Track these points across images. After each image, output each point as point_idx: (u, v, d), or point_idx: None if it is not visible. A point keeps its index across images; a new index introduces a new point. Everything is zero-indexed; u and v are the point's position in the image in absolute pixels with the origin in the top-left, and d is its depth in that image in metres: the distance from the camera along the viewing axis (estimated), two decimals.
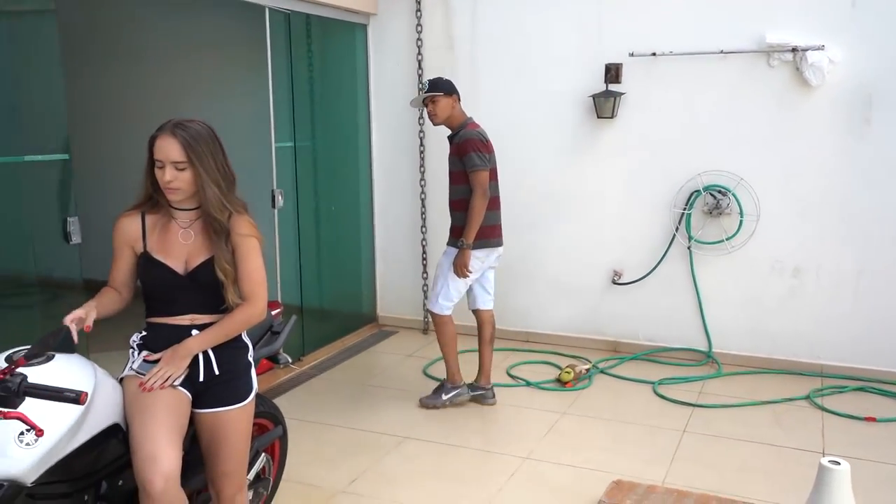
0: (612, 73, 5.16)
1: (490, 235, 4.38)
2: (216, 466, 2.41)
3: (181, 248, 2.37)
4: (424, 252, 6.01)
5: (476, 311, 4.63)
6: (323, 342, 5.64)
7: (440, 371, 5.11)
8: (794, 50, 4.77)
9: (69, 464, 2.03)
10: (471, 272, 4.33)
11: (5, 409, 1.67)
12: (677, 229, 5.21)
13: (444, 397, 4.50)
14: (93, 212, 4.04)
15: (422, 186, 5.93)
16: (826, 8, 4.72)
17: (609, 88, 5.14)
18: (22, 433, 1.88)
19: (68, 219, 3.50)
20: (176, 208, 2.38)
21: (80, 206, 3.60)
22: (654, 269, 5.32)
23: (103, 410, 2.18)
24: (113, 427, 2.22)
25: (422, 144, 5.87)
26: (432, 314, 4.55)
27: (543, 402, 4.62)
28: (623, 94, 5.15)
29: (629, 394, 4.75)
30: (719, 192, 5.04)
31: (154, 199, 2.38)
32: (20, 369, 1.70)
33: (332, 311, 5.94)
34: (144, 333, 2.43)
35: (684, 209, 5.16)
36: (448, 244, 4.48)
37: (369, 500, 3.44)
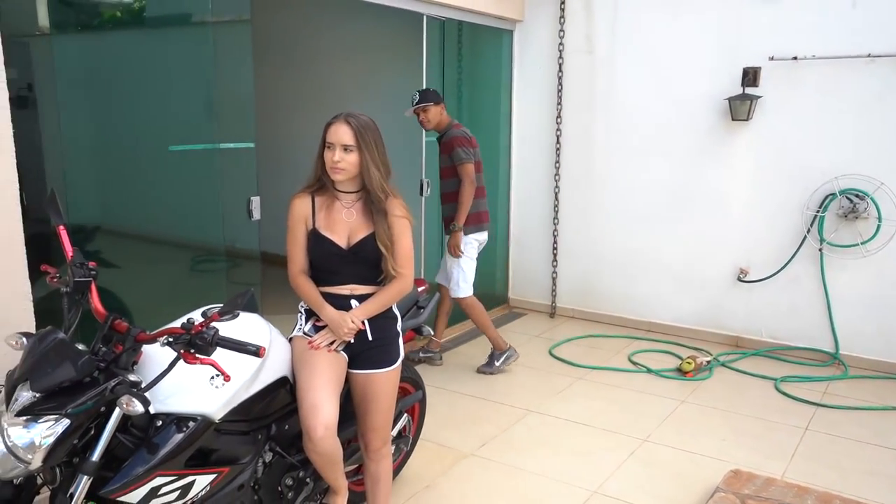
0: (750, 76, 4.83)
1: (482, 220, 4.53)
2: (366, 421, 2.49)
3: (344, 226, 2.44)
4: (555, 243, 5.92)
5: (441, 286, 4.68)
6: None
7: (566, 352, 5.06)
8: None
9: (247, 407, 2.16)
10: (462, 252, 4.43)
11: (201, 356, 1.79)
12: (809, 231, 4.82)
13: (497, 363, 4.64)
14: (270, 193, 4.29)
15: (556, 181, 5.84)
16: None
17: (746, 92, 4.82)
18: (212, 377, 2.03)
19: (251, 198, 3.73)
20: (339, 190, 2.45)
21: (260, 188, 3.82)
22: (782, 269, 4.95)
23: (275, 364, 2.29)
24: (282, 379, 2.33)
25: (558, 142, 5.77)
26: (458, 300, 4.58)
27: (664, 389, 4.44)
28: (760, 97, 4.80)
29: (749, 388, 4.47)
30: (856, 195, 4.61)
31: (321, 182, 2.46)
32: (213, 323, 1.81)
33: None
34: None
35: (818, 212, 4.76)
36: (446, 234, 4.55)
37: (496, 464, 3.45)
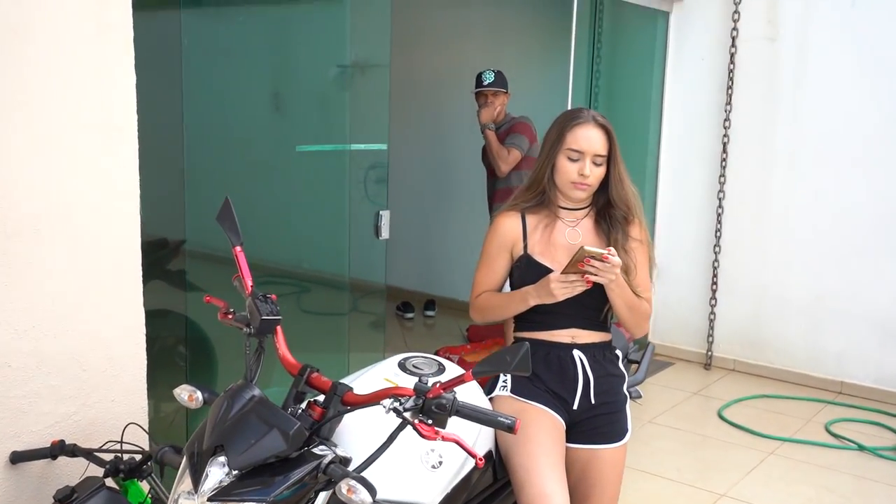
0: None
1: None
2: None
3: (567, 249, 2.25)
4: (715, 276, 5.63)
5: None
6: None
7: (740, 417, 4.74)
8: None
9: (456, 493, 1.95)
10: None
11: (443, 432, 1.59)
12: None
13: None
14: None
15: (720, 199, 5.55)
16: None
17: None
18: (429, 452, 1.82)
19: (380, 213, 3.57)
20: (563, 207, 2.29)
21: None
22: None
23: (484, 436, 2.09)
24: (488, 454, 2.13)
25: (724, 151, 5.49)
26: None
27: (888, 473, 4.07)
28: None
29: None
30: None
31: (538, 195, 2.28)
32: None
33: None
34: None
35: None
36: None
37: None
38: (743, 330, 5.62)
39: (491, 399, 2.28)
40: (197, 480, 1.55)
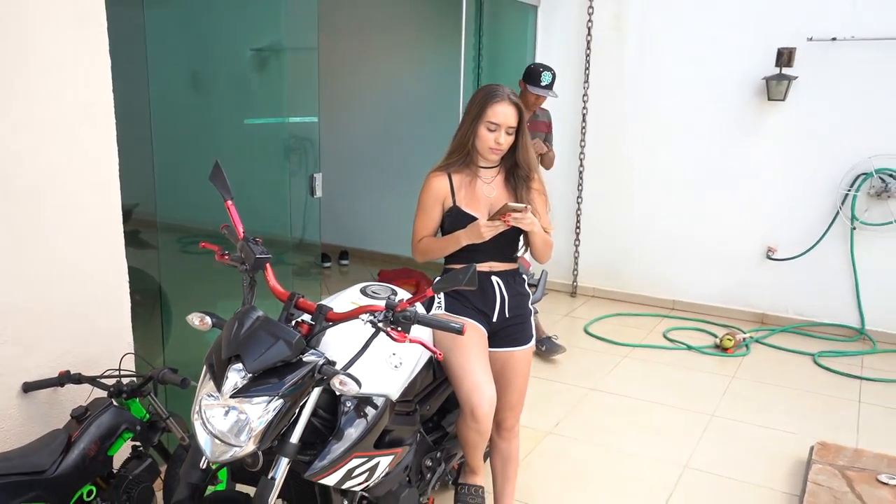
0: (785, 56, 4.94)
1: None
2: (503, 399, 2.44)
3: (485, 201, 2.40)
4: (578, 221, 5.96)
5: None
6: None
7: (601, 331, 5.11)
8: None
9: (412, 386, 2.11)
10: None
11: (411, 336, 1.74)
12: (840, 210, 5.00)
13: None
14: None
15: (580, 160, 5.87)
16: None
17: (782, 72, 4.94)
18: (392, 355, 1.98)
19: (314, 175, 3.62)
20: (481, 167, 2.42)
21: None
22: (812, 247, 5.13)
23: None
24: (431, 357, 2.29)
25: (584, 121, 5.80)
26: None
27: (709, 365, 4.55)
28: (796, 77, 4.93)
29: (788, 363, 4.62)
30: (890, 175, 4.80)
31: (462, 157, 2.41)
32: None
33: None
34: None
35: (849, 191, 4.95)
36: None
37: (580, 442, 3.48)
38: (600, 264, 5.98)
39: None
40: (218, 384, 1.66)
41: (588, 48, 5.65)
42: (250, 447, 1.63)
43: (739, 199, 5.33)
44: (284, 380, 1.65)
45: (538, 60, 5.87)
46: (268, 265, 1.90)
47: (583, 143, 5.83)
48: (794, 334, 5.14)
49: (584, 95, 5.73)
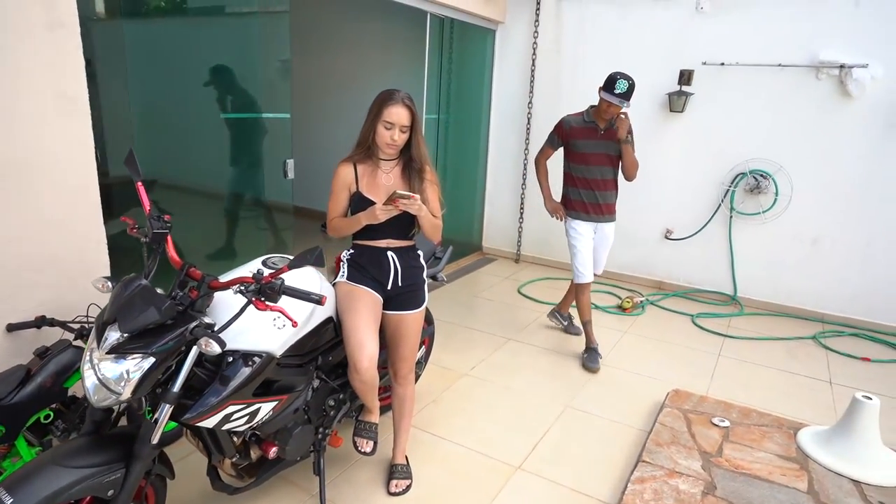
0: (685, 76, 4.60)
1: (580, 209, 3.56)
2: (396, 353, 2.29)
3: (385, 189, 2.19)
4: (522, 203, 5.71)
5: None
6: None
7: (531, 291, 4.91)
8: (841, 67, 4.10)
9: (302, 344, 1.93)
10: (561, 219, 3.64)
11: (270, 304, 1.55)
12: (722, 201, 4.71)
13: (600, 359, 3.60)
14: (303, 157, 3.95)
15: (525, 155, 5.59)
16: (872, 31, 4.01)
17: (682, 89, 4.60)
18: (275, 319, 1.79)
19: (287, 160, 3.40)
20: (381, 159, 2.21)
21: (294, 152, 3.49)
22: (700, 230, 4.85)
23: (324, 307, 2.07)
24: (328, 319, 2.11)
25: (528, 124, 5.49)
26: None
27: (609, 322, 4.34)
28: (692, 94, 4.59)
29: (673, 322, 4.40)
30: (761, 175, 4.48)
31: (367, 151, 2.19)
32: (283, 275, 1.57)
33: (452, 241, 5.76)
34: (352, 251, 2.30)
35: (730, 186, 4.64)
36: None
37: (488, 382, 3.31)
38: (538, 237, 5.74)
39: (334, 284, 2.25)
40: (100, 342, 1.48)
41: (533, 64, 5.32)
42: (126, 394, 1.45)
43: (646, 190, 5.04)
44: (157, 339, 1.47)
45: (496, 76, 5.55)
46: (169, 238, 1.70)
47: (527, 140, 5.53)
48: (683, 298, 4.91)
49: (529, 103, 5.41)
